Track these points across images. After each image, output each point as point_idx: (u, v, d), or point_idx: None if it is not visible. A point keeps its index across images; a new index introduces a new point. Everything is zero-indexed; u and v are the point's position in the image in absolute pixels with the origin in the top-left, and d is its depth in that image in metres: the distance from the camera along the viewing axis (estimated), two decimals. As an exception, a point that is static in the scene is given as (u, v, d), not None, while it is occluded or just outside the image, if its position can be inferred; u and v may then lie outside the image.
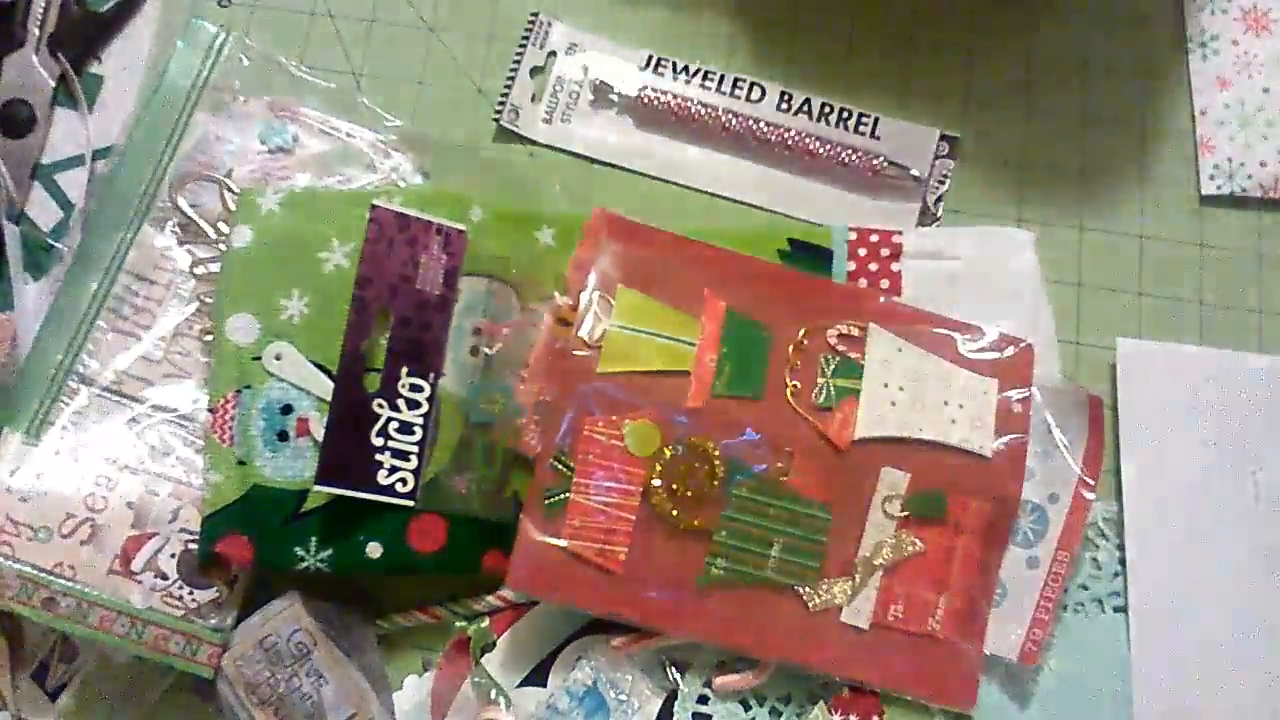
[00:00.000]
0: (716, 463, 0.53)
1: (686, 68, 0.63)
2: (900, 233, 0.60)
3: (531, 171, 0.61)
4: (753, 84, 0.63)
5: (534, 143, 0.62)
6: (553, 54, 0.63)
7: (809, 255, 0.59)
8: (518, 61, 0.62)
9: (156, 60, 0.62)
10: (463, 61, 0.63)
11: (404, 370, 0.53)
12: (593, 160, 0.62)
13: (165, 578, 0.53)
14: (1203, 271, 0.61)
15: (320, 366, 0.54)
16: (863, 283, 0.59)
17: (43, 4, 0.61)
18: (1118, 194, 0.62)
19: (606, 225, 0.56)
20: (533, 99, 0.62)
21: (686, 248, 0.57)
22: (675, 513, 0.53)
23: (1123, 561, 0.57)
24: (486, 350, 0.55)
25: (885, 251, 0.59)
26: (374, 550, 0.52)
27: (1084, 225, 0.62)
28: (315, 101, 0.59)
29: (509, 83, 0.62)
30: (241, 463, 0.52)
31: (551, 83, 0.63)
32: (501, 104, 0.62)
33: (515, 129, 0.62)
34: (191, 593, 0.52)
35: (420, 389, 0.53)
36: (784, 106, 0.62)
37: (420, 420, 0.53)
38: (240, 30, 0.61)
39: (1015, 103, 0.63)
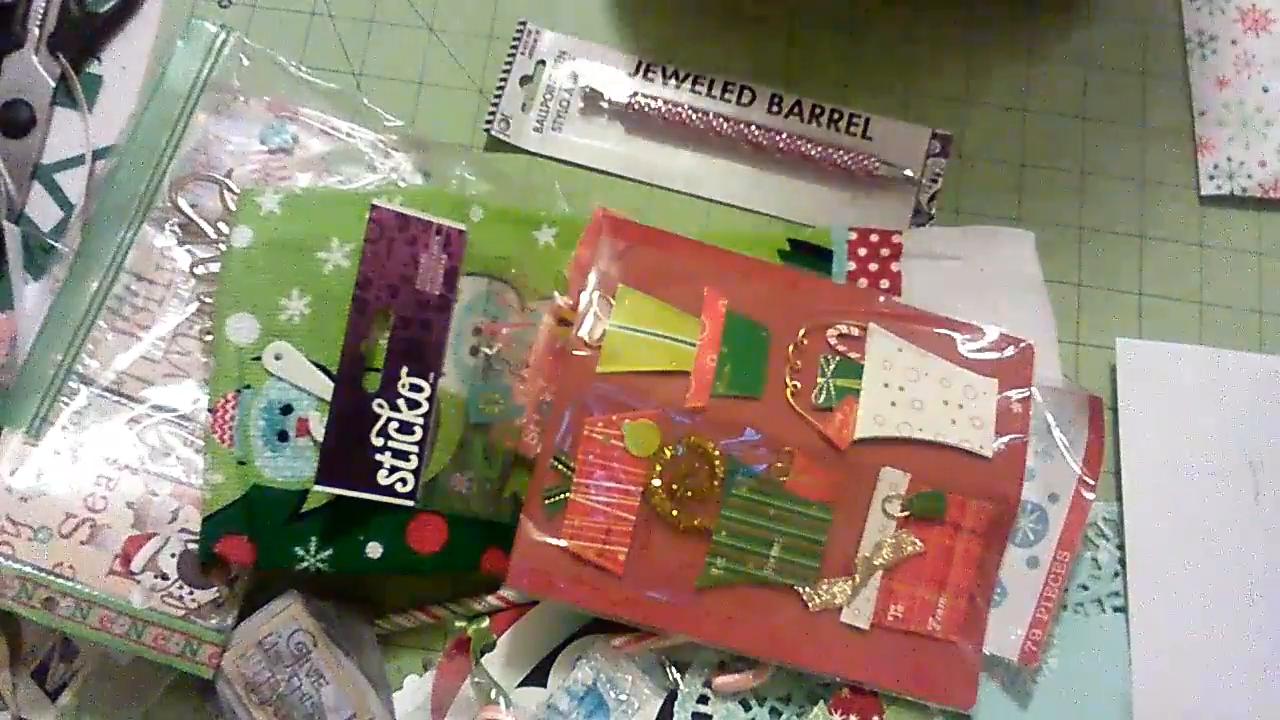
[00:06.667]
0: (716, 463, 0.53)
1: (677, 73, 0.63)
2: (900, 233, 0.60)
3: (531, 172, 0.61)
4: (743, 87, 0.63)
5: (526, 152, 0.62)
6: (542, 62, 0.63)
7: (809, 255, 0.59)
8: (507, 70, 0.62)
9: (156, 60, 0.62)
10: (463, 61, 0.63)
11: (404, 370, 0.53)
12: (586, 168, 0.62)
13: (165, 578, 0.53)
14: (1203, 271, 0.61)
15: (320, 366, 0.54)
16: (863, 283, 0.59)
17: (43, 4, 0.61)
18: (1118, 194, 0.62)
19: (607, 225, 0.56)
20: (523, 108, 0.62)
21: (687, 248, 0.57)
22: (675, 513, 0.53)
23: (1123, 561, 0.57)
24: (486, 350, 0.55)
25: (885, 251, 0.59)
26: (374, 550, 0.53)
27: (1084, 225, 0.62)
28: (315, 101, 0.59)
29: (499, 92, 0.62)
30: (241, 463, 0.52)
31: (542, 91, 0.62)
32: (492, 113, 0.62)
33: (506, 138, 0.62)
34: (191, 593, 0.52)
35: (420, 389, 0.53)
36: (775, 109, 0.62)
37: (420, 420, 0.53)
38: (240, 30, 0.61)
39: (1015, 102, 0.63)
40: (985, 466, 0.55)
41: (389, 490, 0.52)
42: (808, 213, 0.61)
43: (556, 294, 0.56)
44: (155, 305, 0.56)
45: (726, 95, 0.63)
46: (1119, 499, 0.58)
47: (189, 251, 0.56)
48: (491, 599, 0.55)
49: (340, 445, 0.52)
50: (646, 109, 0.62)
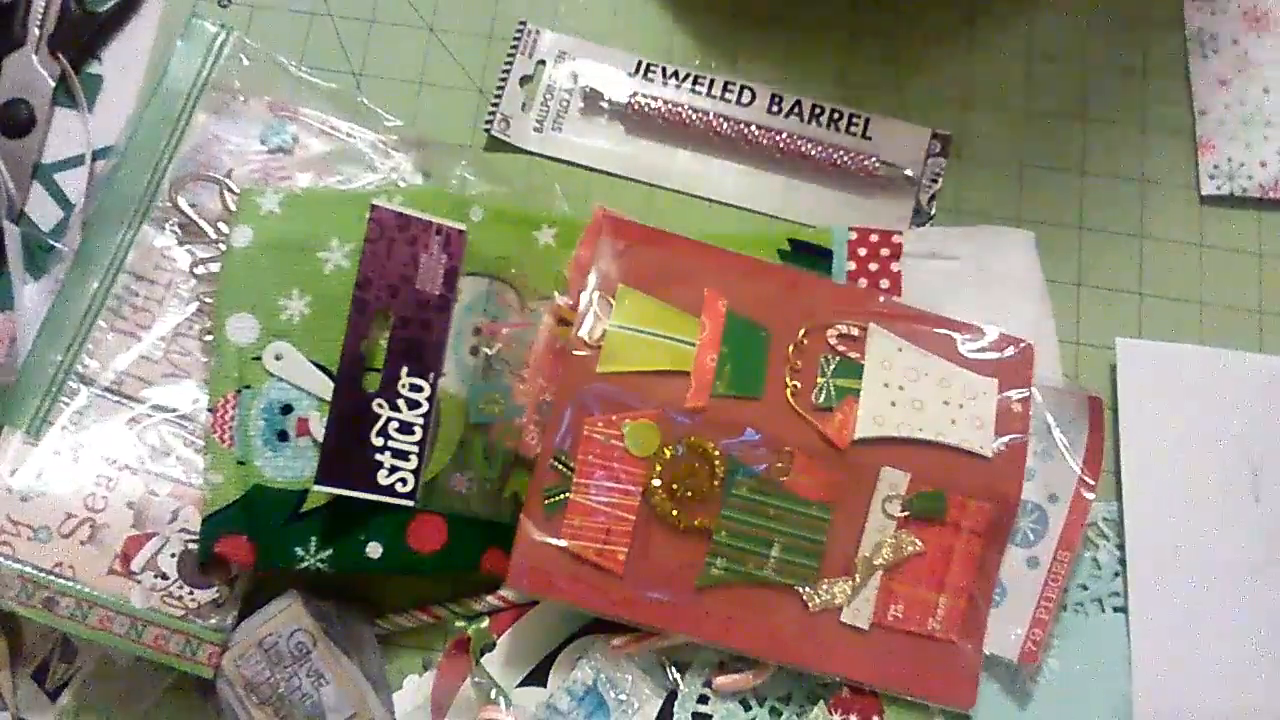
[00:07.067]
0: (716, 463, 0.53)
1: (676, 72, 0.63)
2: (900, 233, 0.60)
3: (531, 172, 0.61)
4: (743, 87, 0.63)
5: (526, 152, 0.62)
6: (541, 62, 0.63)
7: (809, 255, 0.59)
8: (507, 70, 0.62)
9: (156, 60, 0.62)
10: (463, 61, 0.63)
11: (404, 370, 0.53)
12: (586, 168, 0.62)
13: (165, 578, 0.53)
14: (1203, 271, 0.61)
15: (320, 366, 0.54)
16: (863, 283, 0.59)
17: (43, 4, 0.61)
18: (1118, 194, 0.62)
19: (607, 225, 0.56)
20: (523, 108, 0.62)
21: (687, 248, 0.57)
22: (675, 513, 0.53)
23: (1123, 561, 0.57)
24: (486, 350, 0.55)
25: (885, 251, 0.59)
26: (374, 550, 0.53)
27: (1084, 225, 0.62)
28: (315, 101, 0.59)
29: (499, 92, 0.62)
30: (241, 463, 0.52)
31: (542, 91, 0.62)
32: (492, 113, 0.62)
33: (506, 139, 0.62)
34: (191, 593, 0.52)
35: (420, 389, 0.53)
36: (775, 109, 0.62)
37: (420, 420, 0.53)
38: (240, 30, 0.61)
39: (1015, 102, 0.63)
40: (985, 466, 0.55)
41: (389, 490, 0.52)
42: (808, 213, 0.61)
43: (556, 294, 0.56)
44: (155, 305, 0.56)
45: (726, 95, 0.63)
46: (1119, 499, 0.58)
47: (189, 251, 0.56)
48: (491, 599, 0.55)
49: (340, 445, 0.52)
50: (646, 109, 0.62)
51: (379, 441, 0.52)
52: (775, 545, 0.53)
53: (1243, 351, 0.60)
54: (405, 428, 0.52)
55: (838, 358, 0.56)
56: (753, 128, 0.61)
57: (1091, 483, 0.56)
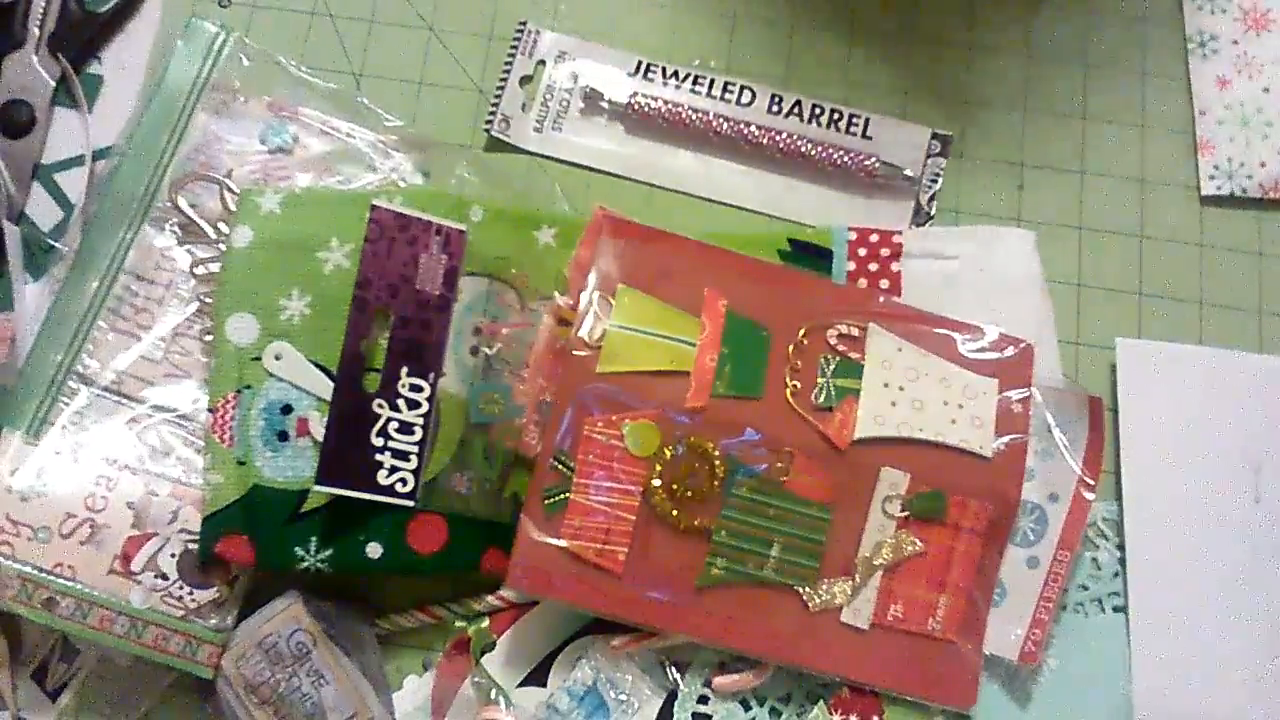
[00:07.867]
0: (716, 463, 0.53)
1: (676, 72, 0.63)
2: (900, 233, 0.60)
3: (531, 172, 0.62)
4: (743, 87, 0.63)
5: (526, 152, 0.62)
6: (541, 62, 0.63)
7: (809, 255, 0.59)
8: (507, 70, 0.62)
9: (156, 60, 0.62)
10: (463, 62, 0.63)
11: (404, 370, 0.53)
12: (586, 168, 0.62)
13: (165, 578, 0.53)
14: (1203, 271, 0.61)
15: (320, 366, 0.54)
16: (863, 283, 0.59)
17: (43, 4, 0.61)
18: (1118, 194, 0.62)
19: (607, 225, 0.56)
20: (523, 108, 0.62)
21: (687, 248, 0.57)
22: (675, 513, 0.53)
23: (1123, 561, 0.57)
24: (486, 350, 0.55)
25: (885, 251, 0.59)
26: (374, 550, 0.53)
27: (1084, 225, 0.62)
28: (315, 101, 0.59)
29: (499, 92, 0.62)
30: (241, 463, 0.52)
31: (542, 91, 0.62)
32: (492, 114, 0.62)
33: (506, 139, 0.62)
34: (191, 593, 0.52)
35: (420, 389, 0.53)
36: (775, 109, 0.62)
37: (420, 420, 0.53)
38: (240, 30, 0.61)
39: (1015, 101, 0.63)
40: (985, 466, 0.55)
41: (389, 490, 0.52)
42: (807, 212, 0.61)
43: (556, 294, 0.56)
44: (155, 305, 0.56)
45: (726, 95, 0.63)
46: (1119, 499, 0.58)
47: (189, 251, 0.56)
48: (491, 599, 0.55)
49: (340, 445, 0.52)
50: (646, 109, 0.62)
51: (379, 441, 0.52)
52: (775, 545, 0.53)
53: (1243, 351, 0.60)
54: (405, 428, 0.52)
55: (838, 358, 0.56)
56: (753, 128, 0.61)
57: (1091, 483, 0.56)
